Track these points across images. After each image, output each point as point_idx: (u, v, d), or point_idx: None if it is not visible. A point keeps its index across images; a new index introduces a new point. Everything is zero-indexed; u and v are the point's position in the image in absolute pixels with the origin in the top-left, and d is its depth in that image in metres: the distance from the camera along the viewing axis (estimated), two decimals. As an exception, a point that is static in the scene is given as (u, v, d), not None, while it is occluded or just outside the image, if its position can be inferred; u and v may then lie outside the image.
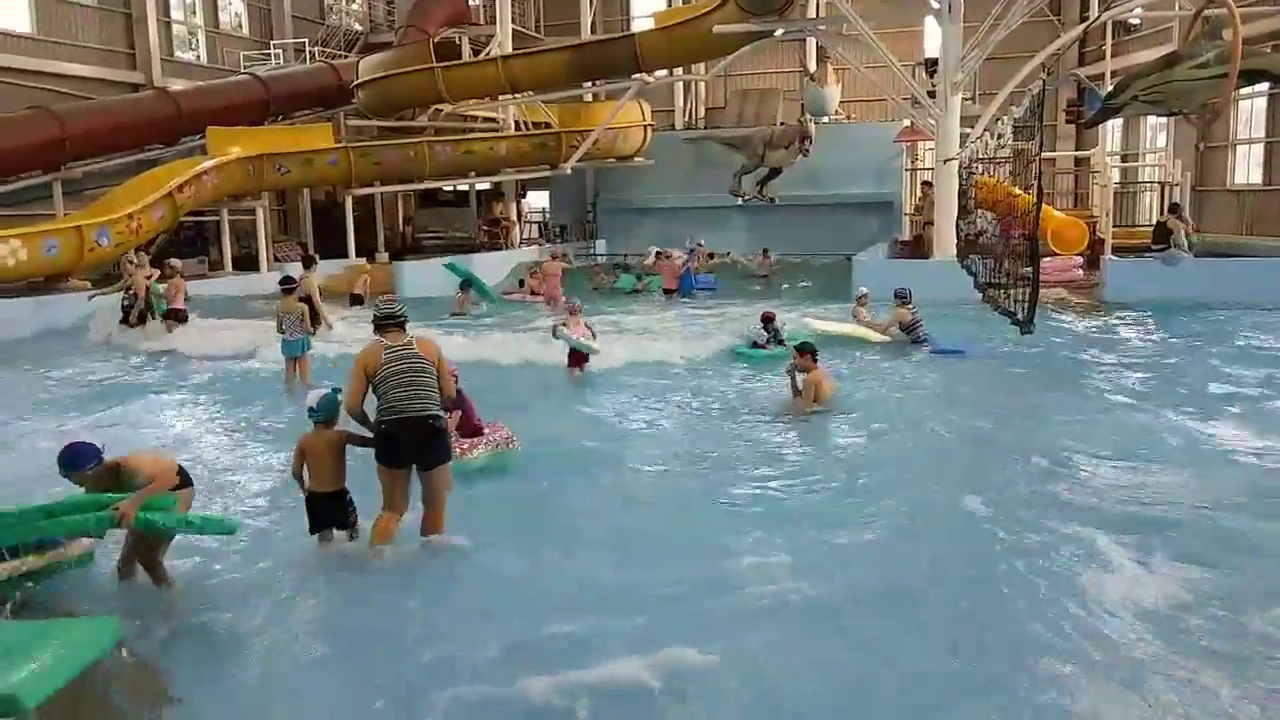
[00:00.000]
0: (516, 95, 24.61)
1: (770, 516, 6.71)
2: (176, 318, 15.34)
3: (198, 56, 28.48)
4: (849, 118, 30.33)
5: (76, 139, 20.67)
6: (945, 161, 19.28)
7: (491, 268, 24.32)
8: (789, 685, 4.43)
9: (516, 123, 26.71)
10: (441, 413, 6.06)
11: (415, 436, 5.89)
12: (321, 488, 6.02)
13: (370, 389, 5.92)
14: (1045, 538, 6.09)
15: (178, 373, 12.86)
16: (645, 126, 27.46)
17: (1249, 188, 22.40)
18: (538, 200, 34.24)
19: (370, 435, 5.98)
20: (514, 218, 28.54)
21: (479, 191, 32.04)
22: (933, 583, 5.53)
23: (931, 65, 22.30)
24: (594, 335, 12.11)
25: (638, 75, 23.12)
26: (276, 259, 24.00)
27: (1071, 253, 19.64)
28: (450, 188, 30.74)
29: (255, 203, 22.93)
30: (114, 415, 10.32)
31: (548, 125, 26.67)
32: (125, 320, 15.50)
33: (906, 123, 26.46)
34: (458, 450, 7.08)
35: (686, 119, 32.62)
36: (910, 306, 14.00)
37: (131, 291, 15.50)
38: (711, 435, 9.07)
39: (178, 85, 24.91)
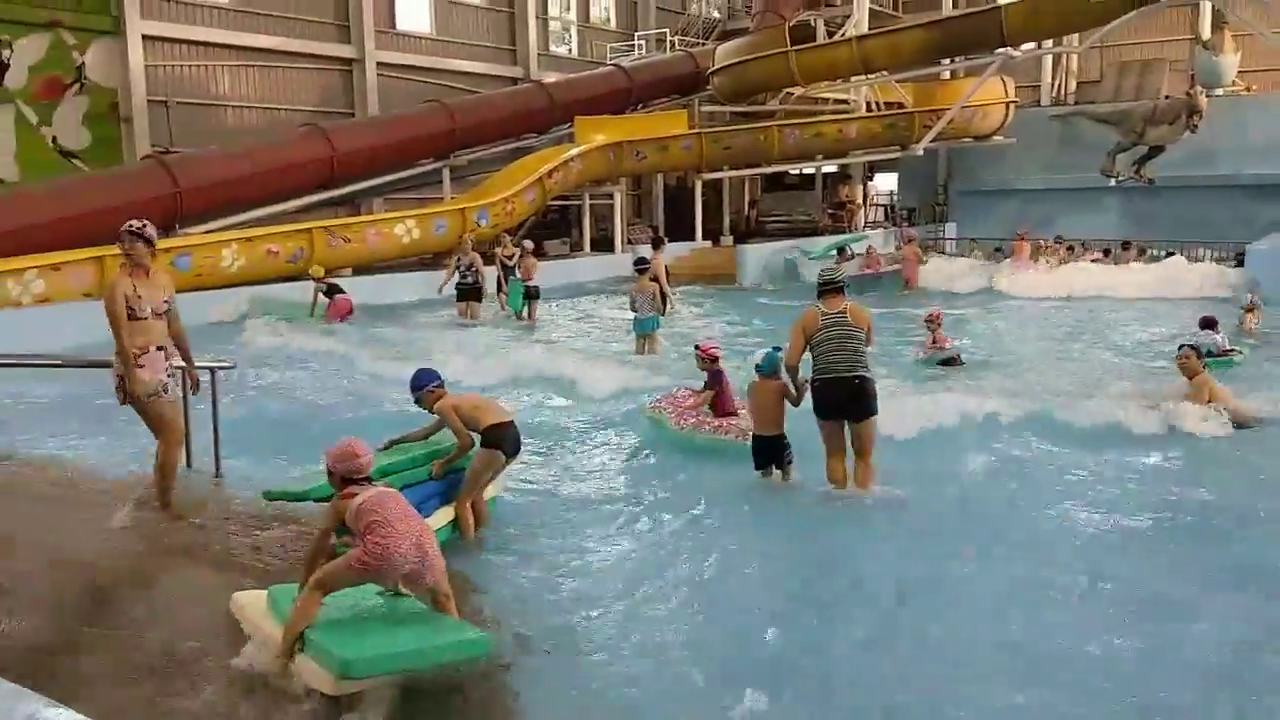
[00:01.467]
0: (869, 75, 24.11)
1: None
2: (532, 294, 16.34)
3: (569, 50, 30.59)
4: (1248, 89, 26.71)
5: (465, 130, 22.86)
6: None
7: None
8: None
9: (868, 103, 26.15)
10: (868, 372, 6.71)
11: (844, 394, 6.65)
12: (765, 431, 7.00)
13: (807, 348, 6.78)
14: None
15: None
16: (1007, 103, 25.88)
17: None
18: (885, 182, 33.40)
19: (797, 390, 6.91)
20: (859, 200, 28.02)
21: (825, 175, 31.83)
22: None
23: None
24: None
25: (1001, 50, 21.81)
26: (630, 241, 25.27)
27: None
28: (796, 171, 30.76)
29: (614, 188, 24.23)
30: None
31: (900, 105, 25.89)
32: (464, 298, 15.85)
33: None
34: (707, 426, 7.94)
35: (1055, 94, 30.34)
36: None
37: (474, 269, 15.94)
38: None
39: (551, 78, 26.85)
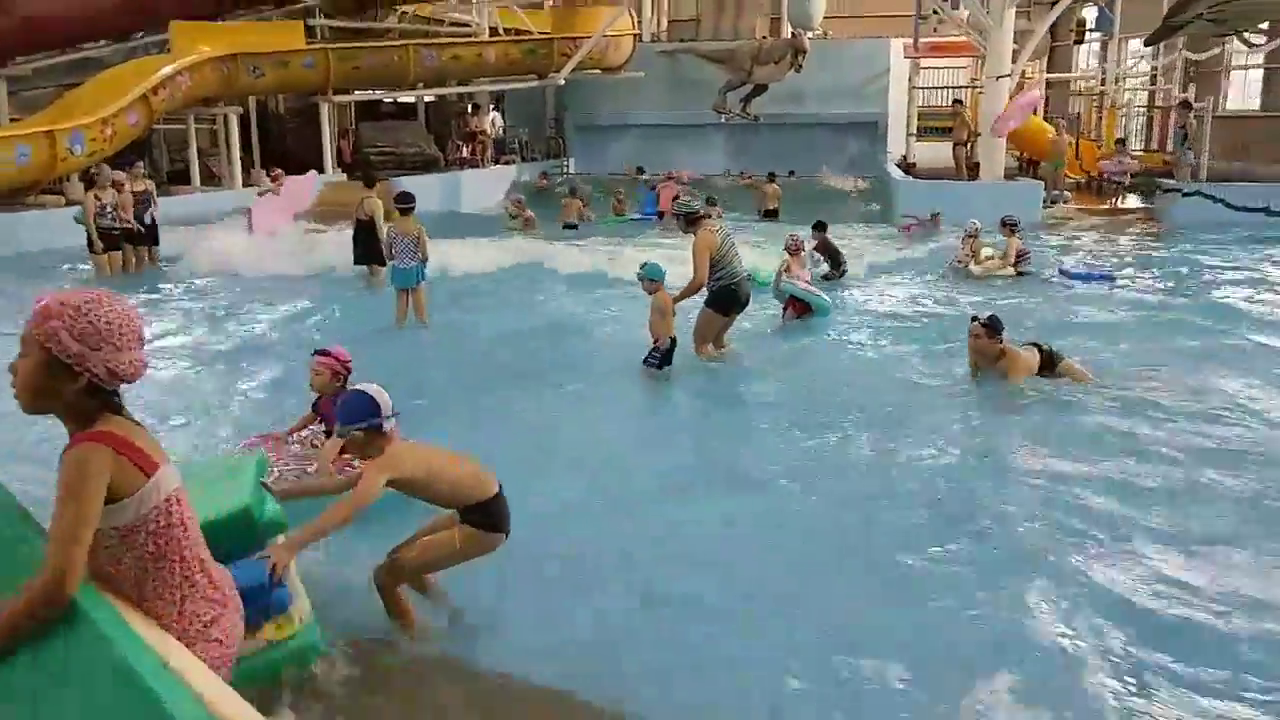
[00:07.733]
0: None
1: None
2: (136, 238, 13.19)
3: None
4: (826, 34, 29.22)
5: (18, 30, 17.52)
6: (997, 79, 18.70)
7: (478, 188, 22.46)
8: None
9: (492, 29, 24.51)
10: None
11: (745, 292, 8.33)
12: (672, 333, 7.88)
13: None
14: None
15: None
16: (635, 36, 25.71)
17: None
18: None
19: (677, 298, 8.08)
20: (489, 131, 26.36)
21: (427, 104, 29.59)
22: None
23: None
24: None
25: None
26: (212, 174, 21.57)
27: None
28: (391, 99, 28.24)
29: (228, 109, 20.21)
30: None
31: (527, 32, 24.60)
32: (107, 248, 12.64)
33: (901, 40, 25.88)
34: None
35: (653, 31, 30.83)
36: (1019, 234, 13.33)
37: (116, 208, 12.69)
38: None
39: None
